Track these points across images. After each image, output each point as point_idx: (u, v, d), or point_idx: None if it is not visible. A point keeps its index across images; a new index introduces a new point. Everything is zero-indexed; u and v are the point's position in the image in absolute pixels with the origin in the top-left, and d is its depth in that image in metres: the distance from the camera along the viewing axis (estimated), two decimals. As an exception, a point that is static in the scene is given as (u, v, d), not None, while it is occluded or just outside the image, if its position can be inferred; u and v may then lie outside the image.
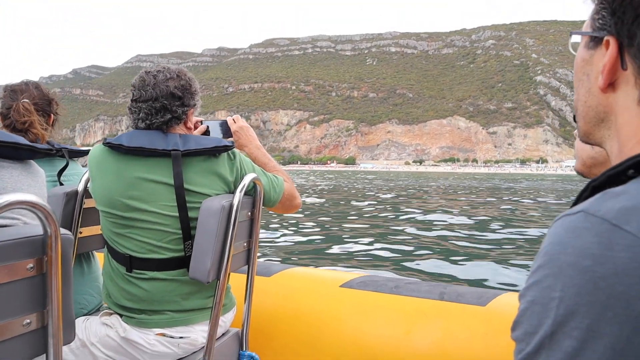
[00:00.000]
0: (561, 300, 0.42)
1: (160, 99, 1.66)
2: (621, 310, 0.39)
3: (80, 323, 1.74)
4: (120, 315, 1.71)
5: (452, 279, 6.95)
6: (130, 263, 1.67)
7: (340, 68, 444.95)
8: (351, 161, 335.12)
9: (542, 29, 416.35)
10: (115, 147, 1.62)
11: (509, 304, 1.92)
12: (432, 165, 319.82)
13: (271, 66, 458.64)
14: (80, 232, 2.00)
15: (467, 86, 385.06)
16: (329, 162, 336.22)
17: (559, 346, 0.42)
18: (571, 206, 0.51)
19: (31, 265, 0.97)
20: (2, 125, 2.02)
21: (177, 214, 1.67)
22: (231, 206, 1.66)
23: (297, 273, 2.51)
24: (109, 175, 1.64)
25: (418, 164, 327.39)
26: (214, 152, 1.74)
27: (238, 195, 1.68)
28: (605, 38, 0.57)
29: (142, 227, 1.65)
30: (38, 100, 2.05)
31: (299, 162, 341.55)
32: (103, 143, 1.68)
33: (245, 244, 1.87)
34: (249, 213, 1.84)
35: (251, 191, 1.84)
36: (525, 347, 0.45)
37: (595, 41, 0.60)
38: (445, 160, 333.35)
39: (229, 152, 1.79)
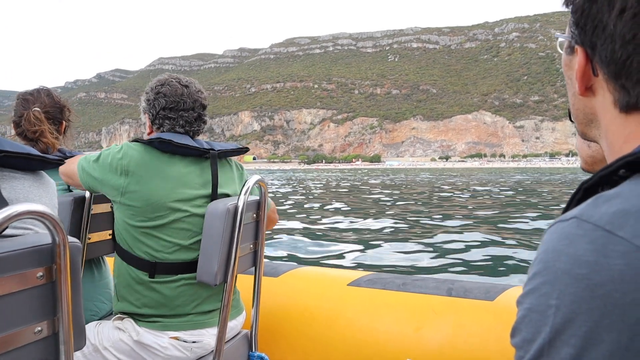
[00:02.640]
0: (558, 308, 0.42)
1: (196, 109, 1.77)
2: (618, 317, 0.39)
3: (92, 327, 1.76)
4: (134, 319, 1.72)
5: (462, 270, 6.93)
6: (155, 268, 1.68)
7: (362, 65, 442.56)
8: (376, 159, 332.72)
9: (568, 19, 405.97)
10: (165, 144, 1.65)
11: (517, 297, 1.41)
12: (459, 161, 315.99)
13: (292, 65, 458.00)
14: (89, 238, 2.01)
15: (491, 80, 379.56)
16: (354, 160, 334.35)
17: (557, 354, 0.42)
18: (564, 210, 0.51)
19: (41, 273, 0.99)
20: (15, 134, 2.04)
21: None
22: (236, 208, 1.67)
23: (305, 272, 2.52)
24: (155, 177, 1.66)
25: (444, 160, 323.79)
26: (240, 153, 1.90)
27: (243, 197, 1.69)
28: (575, 47, 0.59)
29: (172, 227, 1.67)
30: (49, 108, 2.06)
31: (323, 161, 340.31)
32: (145, 141, 1.69)
33: (251, 246, 1.88)
34: (254, 215, 1.85)
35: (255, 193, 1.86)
36: (525, 355, 0.45)
37: (571, 47, 0.62)
38: (472, 156, 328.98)
39: (237, 163, 1.95)
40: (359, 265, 7.32)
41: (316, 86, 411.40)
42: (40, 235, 1.05)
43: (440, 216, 14.52)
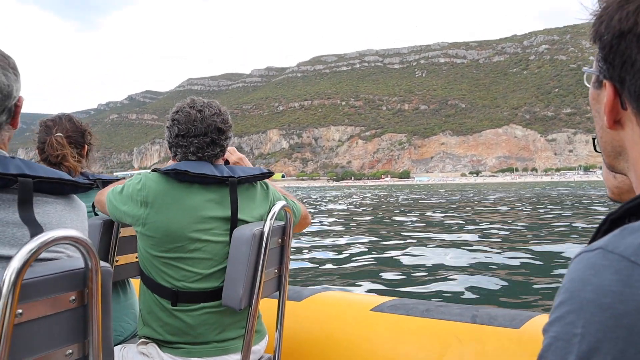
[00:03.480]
0: (583, 337, 0.43)
1: (210, 134, 1.72)
2: None
3: (117, 352, 1.75)
4: (158, 344, 1.72)
5: (486, 298, 6.74)
6: (177, 297, 1.67)
7: (389, 82, 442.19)
8: (405, 175, 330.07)
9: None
10: (180, 174, 1.64)
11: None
12: (490, 175, 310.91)
13: (320, 83, 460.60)
14: (117, 261, 2.05)
15: (521, 93, 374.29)
16: (382, 176, 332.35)
17: None
18: (590, 240, 0.51)
19: (73, 297, 1.01)
20: (40, 159, 2.10)
21: (229, 241, 1.72)
22: (262, 234, 1.68)
23: (328, 297, 2.51)
24: (173, 208, 1.66)
25: (475, 175, 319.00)
26: (262, 178, 1.86)
27: (269, 223, 1.69)
28: (603, 81, 0.59)
29: (193, 256, 1.67)
30: (71, 133, 2.11)
31: (352, 178, 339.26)
32: (162, 171, 1.68)
33: (276, 271, 1.88)
34: (279, 240, 1.86)
35: (281, 217, 1.85)
36: None
37: (599, 81, 0.62)
38: (503, 171, 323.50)
39: (263, 182, 1.92)
40: (383, 290, 7.16)
41: (344, 103, 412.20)
42: (73, 259, 1.08)
43: (470, 236, 13.64)
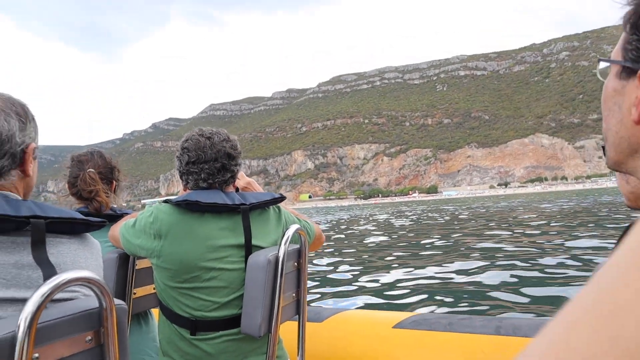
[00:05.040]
0: None
1: (220, 159, 1.74)
2: None
3: None
4: None
5: (509, 308, 6.46)
6: (196, 326, 1.67)
7: (410, 97, 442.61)
8: (433, 190, 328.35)
9: (620, 32, 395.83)
10: (192, 204, 1.65)
11: None
12: (519, 186, 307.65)
13: (341, 102, 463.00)
14: (135, 293, 2.02)
15: (545, 102, 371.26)
16: (410, 192, 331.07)
17: None
18: (615, 245, 0.48)
19: (90, 337, 1.01)
20: (69, 193, 2.14)
21: (244, 268, 1.71)
22: (277, 259, 1.67)
23: (349, 316, 2.46)
24: (186, 239, 1.65)
25: (503, 186, 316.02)
26: (274, 203, 1.85)
27: (283, 247, 1.69)
28: (638, 72, 0.55)
29: (209, 285, 1.66)
30: (102, 169, 2.15)
31: (379, 195, 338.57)
32: (173, 202, 1.68)
33: (294, 295, 1.85)
34: (295, 263, 1.84)
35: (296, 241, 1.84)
36: None
37: (627, 72, 0.58)
38: (532, 181, 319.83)
39: (275, 205, 1.90)
40: (404, 305, 6.99)
41: (366, 121, 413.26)
42: (88, 299, 1.08)
43: (495, 246, 13.50)
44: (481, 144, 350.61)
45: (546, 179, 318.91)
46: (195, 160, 1.73)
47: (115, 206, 2.18)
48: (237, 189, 2.01)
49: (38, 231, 1.06)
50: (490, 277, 8.64)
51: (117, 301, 1.07)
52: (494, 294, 7.23)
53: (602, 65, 0.62)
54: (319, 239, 2.11)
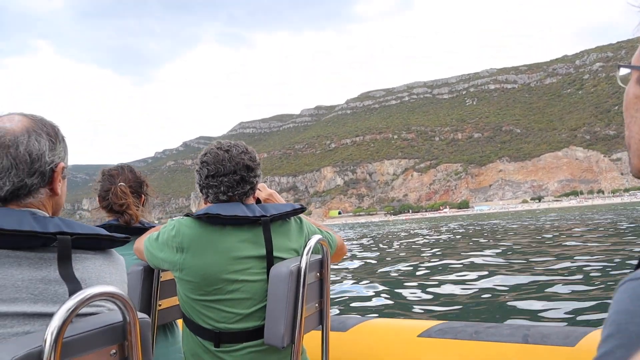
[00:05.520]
0: None
1: (239, 172, 1.74)
2: None
3: None
4: None
5: (535, 318, 6.35)
6: (219, 338, 1.67)
7: (439, 112, 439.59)
8: (464, 205, 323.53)
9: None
10: (212, 218, 1.65)
11: None
12: (553, 200, 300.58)
13: (370, 118, 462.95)
14: (160, 305, 2.04)
15: (579, 114, 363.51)
16: (441, 208, 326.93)
17: None
18: (636, 267, 0.48)
19: (114, 351, 1.03)
20: (100, 207, 2.20)
21: (266, 279, 1.70)
22: (299, 270, 1.67)
23: (374, 325, 2.43)
24: (208, 252, 1.66)
25: (537, 201, 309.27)
26: (295, 214, 1.85)
27: (305, 258, 1.69)
28: None
29: (232, 297, 1.67)
30: (132, 183, 2.23)
31: (410, 211, 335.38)
32: (195, 216, 1.69)
33: (317, 305, 1.85)
34: (318, 274, 1.83)
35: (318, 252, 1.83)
36: None
37: None
38: (567, 194, 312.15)
39: (296, 216, 1.90)
40: (430, 313, 6.99)
41: (395, 137, 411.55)
42: (112, 313, 1.10)
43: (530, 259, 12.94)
44: (513, 157, 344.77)
45: (581, 193, 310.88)
46: (214, 174, 1.74)
47: (143, 219, 2.23)
48: (258, 201, 2.01)
49: (64, 247, 1.09)
50: (519, 286, 8.40)
51: (140, 315, 1.09)
52: (521, 303, 7.14)
53: (623, 71, 0.59)
54: (341, 250, 2.11)
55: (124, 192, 2.13)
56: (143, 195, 2.28)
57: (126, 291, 1.16)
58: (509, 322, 5.87)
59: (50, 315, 0.99)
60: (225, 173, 1.73)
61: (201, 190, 1.82)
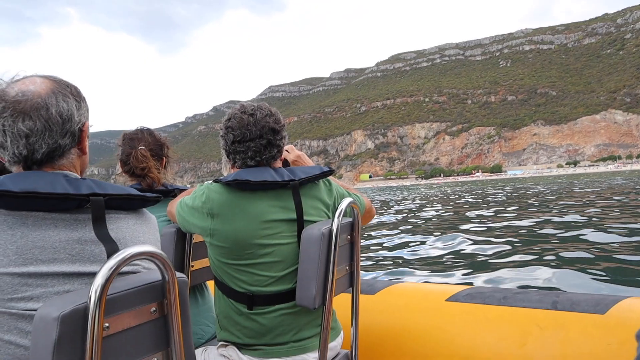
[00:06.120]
0: None
1: (265, 136, 1.71)
2: None
3: (198, 355, 1.80)
4: (238, 347, 1.76)
5: (567, 284, 6.19)
6: (252, 301, 1.70)
7: (472, 74, 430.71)
8: (497, 169, 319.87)
9: None
10: (241, 184, 1.65)
11: (632, 311, 1.75)
12: (589, 165, 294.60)
13: (400, 81, 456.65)
14: (192, 266, 2.11)
15: (618, 75, 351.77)
16: (473, 172, 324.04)
17: None
18: None
19: (154, 308, 1.07)
20: (122, 171, 2.22)
21: (297, 242, 1.73)
22: (330, 232, 1.69)
23: (402, 289, 2.46)
24: (238, 217, 1.67)
25: (572, 165, 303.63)
26: (323, 177, 1.86)
27: (336, 220, 1.70)
28: None
29: (264, 261, 1.69)
30: (152, 146, 2.22)
31: (441, 175, 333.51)
32: (224, 182, 1.69)
33: (347, 267, 1.88)
34: (348, 237, 1.86)
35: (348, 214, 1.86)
36: None
37: None
38: (604, 159, 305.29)
39: (325, 179, 1.91)
40: (458, 279, 6.81)
41: (427, 99, 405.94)
42: (151, 272, 1.13)
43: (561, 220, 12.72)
44: (548, 121, 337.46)
45: (620, 158, 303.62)
46: (240, 139, 1.72)
47: (166, 182, 2.25)
48: (286, 162, 2.06)
49: (98, 208, 1.12)
50: (552, 255, 8.11)
51: (178, 274, 1.12)
52: (552, 271, 6.89)
53: None
54: (370, 212, 2.13)
55: (145, 156, 2.15)
56: (164, 158, 2.28)
57: (160, 249, 1.15)
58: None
59: (88, 275, 1.07)
60: (251, 138, 1.71)
61: (228, 156, 1.81)
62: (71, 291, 1.04)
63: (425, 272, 7.48)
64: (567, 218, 13.71)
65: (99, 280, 0.93)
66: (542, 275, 6.59)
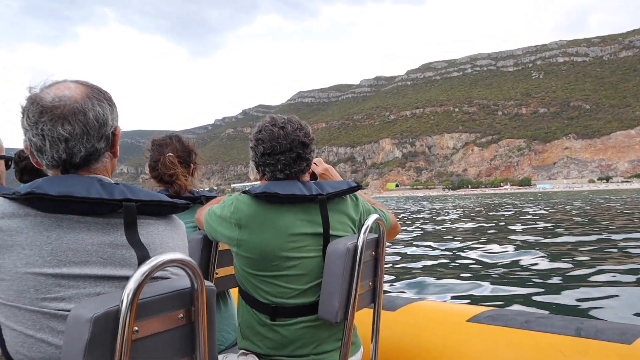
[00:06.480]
0: None
1: (295, 149, 1.74)
2: None
3: None
4: (259, 357, 1.76)
5: (591, 310, 5.95)
6: (275, 312, 1.71)
7: (503, 85, 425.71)
8: (526, 182, 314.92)
9: None
10: (270, 197, 1.67)
11: None
12: (623, 181, 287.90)
13: (430, 90, 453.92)
14: (217, 273, 2.14)
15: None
16: (502, 184, 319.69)
17: None
18: None
19: (182, 315, 1.10)
20: (150, 176, 2.25)
21: (322, 256, 1.74)
22: (355, 247, 1.70)
23: (422, 306, 2.43)
24: (265, 229, 1.68)
25: (604, 181, 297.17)
26: (351, 192, 1.87)
27: (362, 236, 1.70)
28: None
29: (289, 274, 1.70)
30: (181, 153, 2.23)
31: (469, 186, 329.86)
32: (253, 194, 1.71)
33: (370, 283, 1.89)
34: (373, 253, 1.87)
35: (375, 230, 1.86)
36: None
37: None
38: (638, 175, 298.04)
39: (352, 194, 1.93)
40: (480, 299, 6.69)
41: (457, 110, 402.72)
42: (180, 279, 1.17)
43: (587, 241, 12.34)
44: (581, 135, 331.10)
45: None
46: (270, 152, 1.73)
47: (193, 189, 2.27)
48: (314, 175, 2.08)
49: (130, 213, 1.16)
50: (578, 277, 8.05)
51: (207, 283, 1.14)
52: (577, 294, 6.71)
53: None
54: (394, 229, 2.13)
55: (172, 162, 2.16)
56: (192, 164, 2.29)
57: (187, 255, 1.19)
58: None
59: (118, 278, 1.10)
60: (281, 151, 1.73)
61: (257, 168, 1.82)
62: (102, 293, 1.07)
63: (448, 290, 7.52)
64: (602, 236, 13.66)
65: (131, 285, 0.96)
66: (566, 297, 6.43)
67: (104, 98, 1.20)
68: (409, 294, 7.27)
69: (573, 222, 20.49)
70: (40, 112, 1.13)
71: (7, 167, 1.94)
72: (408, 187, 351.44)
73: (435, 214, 31.50)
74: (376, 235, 1.87)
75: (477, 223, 22.24)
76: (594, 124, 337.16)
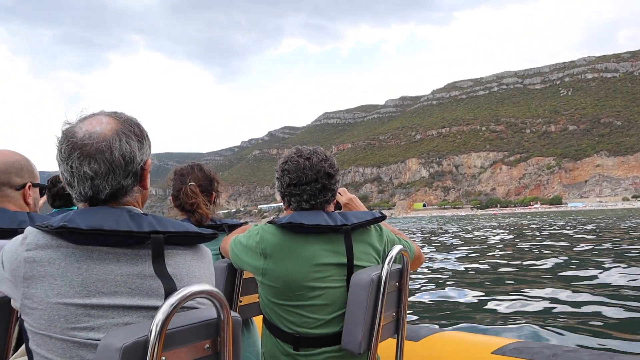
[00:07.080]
0: None
1: (320, 180, 1.78)
2: None
3: None
4: None
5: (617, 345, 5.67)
6: (299, 342, 1.71)
7: (531, 103, 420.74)
8: (557, 201, 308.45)
9: None
10: (295, 227, 1.70)
11: None
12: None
13: (456, 109, 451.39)
14: (241, 301, 2.13)
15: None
16: (531, 203, 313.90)
17: None
18: None
19: (208, 345, 1.11)
20: (174, 205, 2.30)
21: (346, 287, 1.74)
22: (380, 278, 1.69)
23: (447, 337, 2.38)
24: (291, 259, 1.70)
25: (639, 199, 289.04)
26: (375, 222, 1.88)
27: (386, 267, 1.70)
28: None
29: (313, 303, 1.70)
30: (202, 182, 2.29)
31: (498, 205, 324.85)
32: (279, 224, 1.73)
33: (394, 314, 1.85)
34: (397, 283, 1.84)
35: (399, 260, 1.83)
36: None
37: None
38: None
39: (377, 224, 1.92)
40: (505, 329, 6.47)
41: (484, 128, 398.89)
42: (207, 310, 1.19)
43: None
44: (612, 152, 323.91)
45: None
46: (296, 182, 1.77)
47: (215, 217, 2.30)
48: (338, 204, 2.11)
49: (158, 245, 1.19)
50: (609, 310, 7.62)
51: (233, 314, 1.15)
52: (607, 329, 6.46)
53: None
54: (418, 259, 2.12)
55: (194, 192, 2.20)
56: (213, 192, 2.33)
57: (214, 283, 1.24)
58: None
59: (146, 308, 1.13)
60: (307, 182, 1.76)
61: (283, 198, 1.85)
62: (129, 323, 1.10)
63: (473, 320, 7.28)
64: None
65: (160, 316, 0.98)
66: (597, 332, 6.12)
67: (132, 133, 1.23)
68: (433, 324, 7.14)
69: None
70: (71, 149, 1.17)
71: (42, 194, 1.97)
72: (435, 206, 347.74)
73: (479, 239, 30.42)
74: (400, 266, 1.85)
75: (515, 246, 21.65)
76: (627, 140, 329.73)
